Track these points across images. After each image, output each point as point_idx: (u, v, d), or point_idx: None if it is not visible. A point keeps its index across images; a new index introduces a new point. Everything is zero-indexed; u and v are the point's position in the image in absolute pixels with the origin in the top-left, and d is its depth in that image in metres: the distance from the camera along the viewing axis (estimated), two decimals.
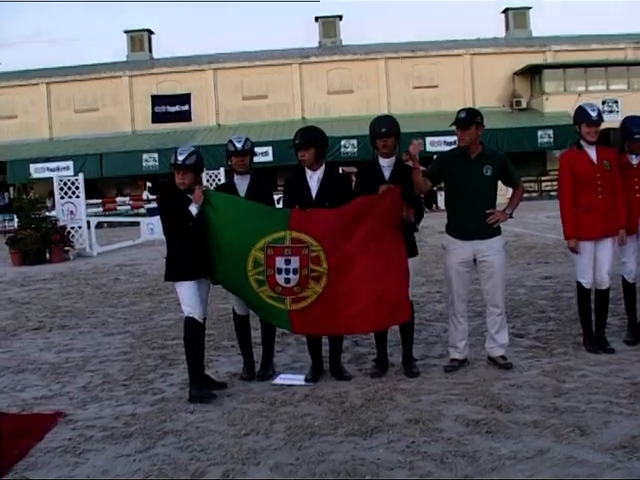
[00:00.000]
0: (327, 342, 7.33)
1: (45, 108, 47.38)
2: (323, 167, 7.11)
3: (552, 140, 41.28)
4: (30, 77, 47.91)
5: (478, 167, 6.99)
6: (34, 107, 47.10)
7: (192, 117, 43.46)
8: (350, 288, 6.77)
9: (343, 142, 40.22)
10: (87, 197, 23.31)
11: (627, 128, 7.59)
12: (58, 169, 39.18)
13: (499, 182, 7.20)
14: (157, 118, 43.12)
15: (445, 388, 6.61)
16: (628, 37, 47.49)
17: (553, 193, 40.37)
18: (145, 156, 41.49)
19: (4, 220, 36.26)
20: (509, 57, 46.56)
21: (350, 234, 6.76)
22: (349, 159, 38.75)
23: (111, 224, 34.12)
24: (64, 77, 47.64)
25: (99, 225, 26.57)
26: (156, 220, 21.15)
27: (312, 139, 7.05)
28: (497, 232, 7.15)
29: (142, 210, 34.85)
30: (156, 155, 40.49)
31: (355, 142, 40.08)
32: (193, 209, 6.74)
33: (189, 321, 6.84)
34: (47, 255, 20.73)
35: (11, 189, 38.59)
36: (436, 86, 46.46)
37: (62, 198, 22.19)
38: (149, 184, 40.35)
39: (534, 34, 51.20)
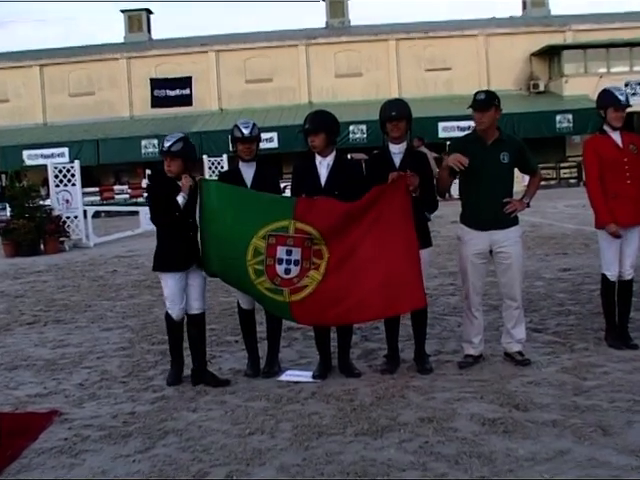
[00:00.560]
0: (335, 337, 7.33)
1: (38, 91, 47.41)
2: (334, 154, 7.09)
3: (571, 125, 41.14)
4: (22, 59, 47.93)
5: (495, 153, 6.96)
6: (26, 90, 47.14)
7: (193, 101, 43.36)
8: (352, 275, 6.78)
9: (351, 127, 40.17)
10: (83, 185, 23.33)
11: None
12: (52, 156, 39.24)
13: (515, 169, 7.18)
14: (156, 102, 43.03)
15: (459, 385, 6.60)
16: None
17: (572, 181, 40.41)
18: (144, 142, 41.51)
19: None
20: (526, 37, 46.39)
21: (356, 225, 6.76)
22: (358, 145, 38.70)
23: (109, 213, 34.12)
24: (58, 59, 47.65)
25: (96, 215, 26.59)
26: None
27: (323, 124, 7.04)
28: (514, 222, 7.12)
29: (141, 199, 34.84)
30: (155, 141, 40.40)
31: (364, 127, 40.03)
32: (180, 198, 6.87)
33: (167, 316, 7.22)
34: (41, 246, 20.76)
35: (3, 177, 38.62)
36: (449, 68, 46.36)
37: (57, 186, 22.16)
38: (148, 171, 40.25)
39: (553, 12, 51.11)
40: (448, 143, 8.04)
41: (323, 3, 52.00)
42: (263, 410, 6.22)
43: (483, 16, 51.00)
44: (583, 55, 44.79)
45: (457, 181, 7.35)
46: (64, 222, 21.57)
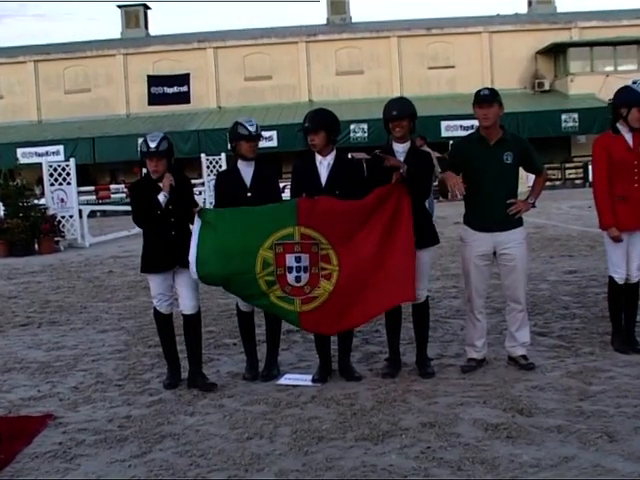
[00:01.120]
0: (336, 340, 7.33)
1: (33, 88, 47.48)
2: (334, 153, 7.09)
3: (577, 124, 41.19)
4: (16, 54, 47.99)
5: (498, 153, 6.95)
6: (21, 87, 47.22)
7: (191, 99, 43.32)
8: (361, 284, 6.79)
9: (352, 126, 40.23)
10: (79, 184, 23.31)
11: None
12: (47, 154, 39.34)
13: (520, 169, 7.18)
14: (153, 100, 43.01)
15: (462, 390, 6.60)
16: None
17: (578, 181, 40.46)
18: (141, 140, 41.24)
19: None
20: (531, 35, 46.46)
21: (361, 228, 6.77)
22: (359, 144, 38.74)
23: (104, 213, 34.15)
24: (53, 55, 47.75)
25: (92, 214, 26.59)
26: None
27: (323, 122, 7.04)
28: (519, 223, 7.11)
29: None
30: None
31: (365, 126, 40.09)
32: (161, 197, 6.93)
33: (155, 312, 7.33)
34: (36, 246, 20.77)
35: None
36: (452, 66, 46.44)
37: (52, 185, 22.17)
38: (145, 170, 40.34)
39: (559, 10, 51.18)
40: (451, 142, 8.05)
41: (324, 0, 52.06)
42: (262, 414, 6.22)
43: (487, 13, 51.06)
44: (589, 53, 44.83)
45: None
46: (59, 222, 21.59)
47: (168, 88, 42.81)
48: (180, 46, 47.51)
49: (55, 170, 22.28)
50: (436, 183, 7.36)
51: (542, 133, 39.14)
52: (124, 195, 37.84)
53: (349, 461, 5.15)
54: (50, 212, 21.37)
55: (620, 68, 43.75)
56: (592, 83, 41.88)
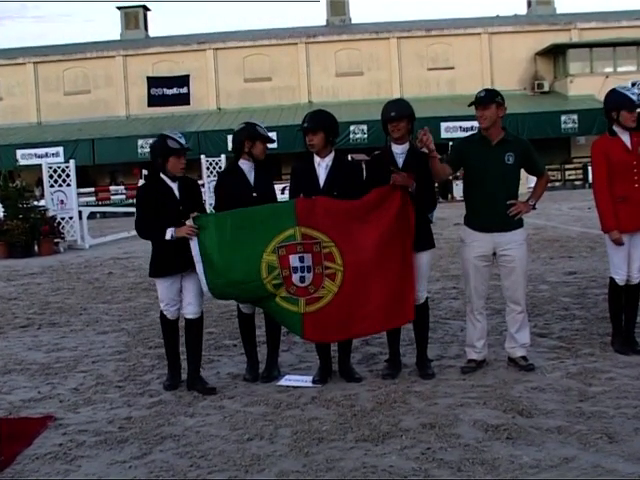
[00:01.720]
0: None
1: (32, 90, 47.51)
2: (332, 154, 7.10)
3: (577, 125, 41.25)
4: (16, 56, 48.04)
5: (499, 154, 6.95)
6: (20, 89, 47.25)
7: (191, 100, 43.38)
8: (365, 287, 6.79)
9: (352, 127, 40.28)
10: (78, 186, 23.34)
11: None
12: (47, 155, 39.37)
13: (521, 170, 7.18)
14: (153, 101, 43.06)
15: (462, 391, 6.60)
16: None
17: (577, 182, 40.48)
18: (140, 142, 41.54)
19: None
20: (531, 36, 46.51)
21: (362, 228, 6.78)
22: (359, 146, 38.81)
23: (104, 214, 34.21)
24: (53, 56, 47.78)
25: (91, 215, 26.60)
26: None
27: (322, 123, 7.05)
28: (519, 224, 7.11)
29: None
30: (152, 141, 40.50)
31: (365, 127, 40.13)
32: (168, 235, 6.84)
33: (162, 317, 7.32)
34: (35, 247, 20.79)
35: None
36: (452, 68, 46.47)
37: (52, 186, 22.19)
38: (145, 172, 40.29)
39: (558, 11, 51.26)
40: (450, 144, 8.06)
41: (324, 1, 52.13)
42: (262, 415, 6.22)
43: (487, 14, 51.14)
44: (589, 54, 44.87)
45: (460, 182, 7.35)
46: (59, 223, 21.61)
47: (168, 89, 42.86)
48: (180, 47, 47.55)
49: (55, 172, 22.29)
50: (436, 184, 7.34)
51: (542, 134, 39.18)
52: (124, 196, 37.96)
53: (349, 462, 5.15)
54: (50, 214, 21.39)
55: (619, 69, 43.80)
56: (592, 84, 41.87)
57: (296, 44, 47.19)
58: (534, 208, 7.23)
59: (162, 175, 7.01)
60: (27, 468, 5.37)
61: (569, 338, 8.25)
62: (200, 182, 28.14)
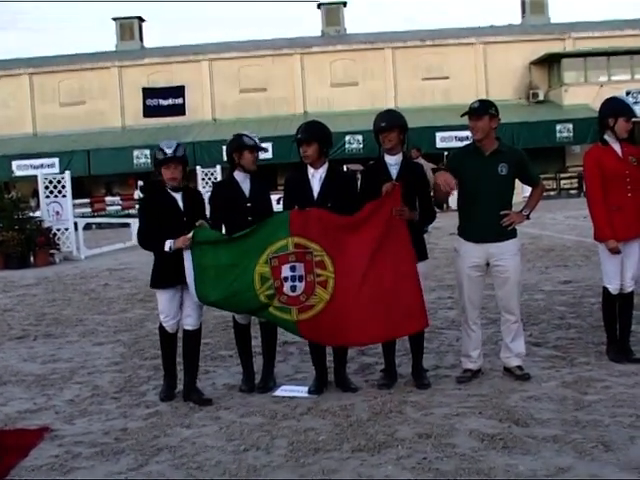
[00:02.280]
0: (331, 352, 7.35)
1: (28, 101, 47.47)
2: (326, 165, 7.12)
3: (571, 135, 41.33)
4: (11, 67, 47.98)
5: (492, 165, 6.96)
6: (15, 100, 47.17)
7: (186, 111, 43.55)
8: (359, 294, 6.79)
9: (348, 138, 40.31)
10: (74, 197, 23.32)
11: None
12: (42, 166, 39.32)
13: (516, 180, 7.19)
14: (149, 112, 43.20)
15: (458, 400, 6.61)
16: None
17: (573, 192, 40.50)
18: (136, 153, 41.57)
19: None
20: (525, 45, 46.58)
21: (354, 238, 6.80)
22: (354, 156, 38.84)
23: (100, 225, 34.14)
24: (48, 67, 47.74)
25: (87, 226, 26.60)
26: None
27: (315, 134, 7.07)
28: (512, 234, 7.12)
29: (133, 211, 34.81)
30: (148, 152, 40.44)
31: (360, 138, 40.15)
32: (167, 247, 6.84)
33: (160, 329, 7.28)
34: (31, 258, 20.73)
35: None
36: (447, 77, 46.53)
37: (47, 197, 22.17)
38: (140, 183, 40.36)
39: (552, 20, 51.29)
40: (446, 154, 8.09)
41: (318, 11, 52.18)
42: (258, 426, 6.22)
43: (481, 24, 51.22)
44: (583, 63, 44.98)
45: (456, 192, 7.36)
46: (54, 234, 21.56)
47: (163, 100, 43.00)
48: (175, 58, 47.54)
49: (50, 183, 22.28)
50: (432, 194, 7.36)
51: (537, 143, 39.22)
52: (119, 207, 38.00)
53: (345, 472, 5.16)
54: (45, 225, 21.33)
55: (614, 78, 43.89)
56: (586, 93, 41.95)
57: (291, 55, 47.25)
58: (528, 218, 7.23)
59: (167, 189, 7.02)
60: (23, 479, 5.36)
61: (564, 347, 8.26)
62: None
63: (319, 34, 51.98)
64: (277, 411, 6.58)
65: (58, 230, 21.88)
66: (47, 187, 22.14)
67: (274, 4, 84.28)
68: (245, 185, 7.32)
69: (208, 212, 7.47)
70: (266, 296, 6.84)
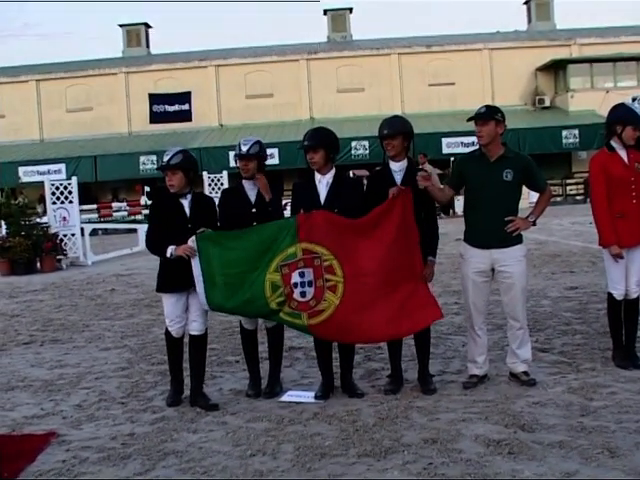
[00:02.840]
0: (338, 357, 7.36)
1: (35, 107, 47.61)
2: (333, 171, 7.14)
3: (578, 140, 41.28)
4: (18, 74, 48.18)
5: (497, 171, 6.97)
6: (23, 106, 47.29)
7: (193, 117, 43.56)
8: (369, 298, 6.81)
9: (354, 143, 40.31)
10: (81, 202, 23.36)
11: None
12: (49, 172, 39.38)
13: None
14: (155, 118, 43.23)
15: (464, 406, 6.61)
16: None
17: (579, 197, 40.45)
18: (142, 158, 41.63)
19: None
20: (531, 51, 46.60)
21: (364, 241, 6.82)
22: (360, 162, 38.86)
23: (106, 231, 34.20)
24: (55, 74, 47.90)
25: (94, 232, 26.64)
26: None
27: (322, 140, 7.08)
28: (518, 240, 7.12)
29: (140, 216, 34.85)
30: (154, 157, 40.56)
31: (366, 143, 40.16)
32: (168, 253, 6.89)
33: (166, 334, 7.30)
34: (38, 264, 20.77)
35: None
36: (453, 83, 46.53)
37: (54, 203, 22.21)
38: (147, 188, 40.44)
39: (558, 26, 51.33)
40: (452, 159, 8.10)
41: (324, 17, 52.26)
42: (265, 431, 6.24)
43: (487, 30, 51.24)
44: (589, 69, 44.95)
45: (462, 198, 7.38)
46: (61, 240, 21.60)
47: (170, 106, 43.03)
48: (181, 64, 47.66)
49: (57, 189, 22.31)
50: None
51: (543, 149, 39.22)
52: (126, 213, 38.02)
53: (352, 477, 5.17)
54: (52, 230, 21.38)
55: (620, 84, 43.86)
56: (592, 99, 41.94)
57: (297, 61, 47.32)
58: (534, 224, 7.22)
59: (176, 194, 7.04)
60: None
61: (570, 353, 8.26)
62: None
63: (325, 40, 52.07)
64: (283, 416, 6.60)
65: (65, 236, 21.92)
66: (54, 193, 22.17)
67: (280, 10, 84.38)
68: (252, 192, 7.34)
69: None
70: (277, 303, 6.85)
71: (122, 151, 42.48)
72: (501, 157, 7.02)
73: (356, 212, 6.87)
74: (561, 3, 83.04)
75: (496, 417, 6.22)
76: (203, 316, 7.18)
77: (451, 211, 34.62)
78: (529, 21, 52.37)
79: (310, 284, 6.84)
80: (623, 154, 7.43)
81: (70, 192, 22.23)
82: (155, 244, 7.05)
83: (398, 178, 7.06)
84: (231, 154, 37.35)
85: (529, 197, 9.54)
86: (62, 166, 41.33)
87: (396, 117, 7.55)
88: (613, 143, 7.47)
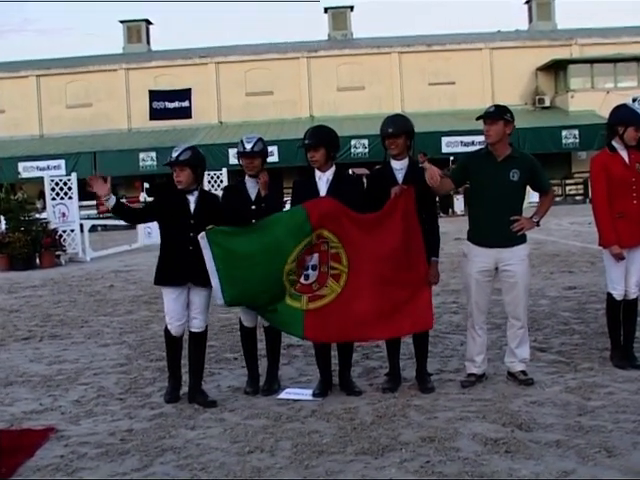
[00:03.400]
0: (336, 355, 7.37)
1: (35, 103, 47.63)
2: (333, 168, 7.14)
3: (577, 141, 41.29)
4: (18, 69, 48.17)
5: (504, 171, 6.97)
6: (23, 102, 47.31)
7: (192, 114, 43.46)
8: (369, 292, 6.84)
9: (353, 142, 40.31)
10: (80, 198, 23.37)
11: None
12: (48, 168, 39.40)
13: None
14: (155, 115, 43.14)
15: (462, 405, 6.62)
16: None
17: (578, 197, 40.48)
18: (142, 155, 41.65)
19: None
20: (532, 51, 46.64)
21: (367, 238, 6.84)
22: (360, 160, 38.84)
23: (106, 227, 34.17)
24: (55, 70, 47.93)
25: (93, 228, 26.63)
26: (154, 223, 21.26)
27: (323, 139, 7.09)
28: (522, 240, 7.12)
29: None
30: (154, 154, 40.61)
31: (366, 142, 40.14)
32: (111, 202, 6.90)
33: (165, 331, 7.23)
34: (37, 260, 20.80)
35: None
36: (453, 83, 46.57)
37: (53, 199, 22.25)
38: (146, 185, 40.38)
39: (559, 26, 51.36)
40: (451, 158, 8.10)
41: (325, 15, 52.26)
42: (262, 428, 6.24)
43: (488, 29, 51.22)
44: (590, 70, 44.98)
45: (461, 197, 7.39)
46: (60, 236, 21.62)
47: (169, 103, 42.95)
48: (182, 61, 47.70)
49: (57, 184, 22.34)
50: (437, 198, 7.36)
51: (543, 149, 39.17)
52: None
53: (349, 475, 5.17)
54: (51, 226, 21.40)
55: (620, 85, 43.88)
56: (592, 100, 41.98)
57: (298, 58, 47.33)
58: (538, 225, 7.23)
59: (182, 190, 7.04)
60: (29, 479, 5.38)
61: (568, 353, 8.27)
62: None
63: (326, 38, 52.07)
64: (281, 413, 6.61)
65: (64, 232, 21.95)
66: (53, 189, 22.20)
67: (281, 8, 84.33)
68: (253, 189, 7.35)
69: None
70: (289, 281, 6.88)
71: (122, 147, 42.49)
72: (508, 157, 7.02)
73: (356, 209, 6.87)
74: (562, 3, 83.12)
75: (494, 416, 6.23)
76: (204, 313, 7.18)
77: (450, 210, 34.67)
78: (530, 21, 52.39)
79: (314, 268, 6.89)
80: (624, 154, 7.43)
81: (70, 188, 22.25)
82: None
83: (400, 177, 7.06)
84: (231, 151, 37.55)
85: (528, 197, 9.54)
86: (62, 162, 41.36)
87: (398, 116, 7.55)
88: (615, 143, 7.48)
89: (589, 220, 10.10)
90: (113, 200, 6.89)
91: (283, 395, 7.21)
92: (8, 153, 42.17)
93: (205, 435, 6.16)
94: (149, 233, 24.79)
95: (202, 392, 7.16)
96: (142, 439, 6.11)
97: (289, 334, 7.51)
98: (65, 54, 61.10)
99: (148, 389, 7.70)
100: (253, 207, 7.26)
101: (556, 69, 46.51)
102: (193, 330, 7.20)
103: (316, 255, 6.88)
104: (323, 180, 7.10)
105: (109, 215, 34.22)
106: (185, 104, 43.08)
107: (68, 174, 25.11)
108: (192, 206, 7.03)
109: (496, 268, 7.12)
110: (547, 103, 45.95)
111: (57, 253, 21.36)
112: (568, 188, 42.59)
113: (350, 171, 29.18)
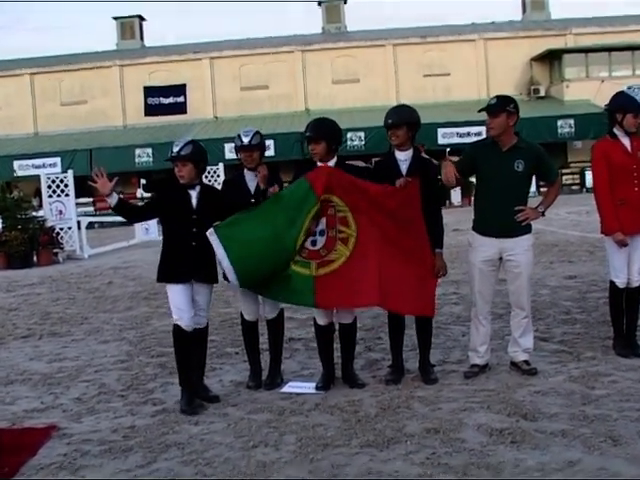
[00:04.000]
0: (339, 347, 7.35)
1: (29, 100, 47.50)
2: (335, 159, 7.12)
3: (573, 130, 41.22)
4: (13, 67, 48.02)
5: (509, 161, 6.94)
6: (17, 99, 47.18)
7: (187, 109, 43.42)
8: (377, 258, 6.83)
9: (349, 135, 40.15)
10: (77, 196, 23.33)
11: None
12: (44, 166, 39.33)
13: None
14: (150, 111, 43.11)
15: (465, 395, 6.61)
16: None
17: (574, 187, 40.47)
18: (138, 151, 41.56)
19: None
20: (526, 42, 46.57)
21: (373, 207, 6.84)
22: (356, 153, 38.72)
23: (103, 224, 34.15)
24: (49, 67, 47.76)
25: (90, 225, 26.61)
26: (151, 220, 21.22)
27: (323, 132, 7.05)
28: (527, 230, 7.11)
29: None
30: (150, 150, 40.52)
31: (362, 135, 40.03)
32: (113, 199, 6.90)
33: (175, 328, 6.91)
34: (34, 258, 20.76)
35: None
36: (448, 74, 46.50)
37: (50, 197, 22.21)
38: (143, 181, 40.39)
39: (553, 16, 51.26)
40: (448, 150, 8.06)
41: (319, 9, 52.17)
42: (266, 422, 6.23)
43: (482, 20, 51.11)
44: (584, 59, 44.93)
45: (458, 189, 7.36)
46: (57, 233, 21.59)
47: (164, 99, 42.93)
48: (176, 57, 47.56)
49: (53, 182, 22.31)
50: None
51: (538, 139, 38.75)
52: None
53: (354, 468, 5.16)
54: (48, 224, 21.35)
55: (615, 74, 43.81)
56: (587, 89, 41.95)
57: (292, 52, 47.23)
58: (543, 215, 7.23)
59: (184, 185, 6.98)
60: (32, 478, 5.37)
61: (571, 342, 8.26)
62: None
63: (320, 31, 51.98)
64: (285, 407, 6.59)
65: (61, 229, 21.92)
66: (50, 186, 22.18)
67: (275, 2, 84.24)
68: (252, 182, 7.32)
69: None
70: (297, 251, 6.88)
71: (117, 144, 42.38)
72: (513, 147, 6.98)
73: None
74: None
75: (498, 406, 6.21)
76: (206, 310, 7.12)
77: (447, 202, 34.66)
78: (524, 11, 52.28)
79: (322, 233, 6.88)
80: (626, 141, 7.41)
81: (66, 185, 22.23)
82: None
83: (404, 167, 7.04)
84: (226, 146, 37.51)
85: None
86: (57, 159, 41.26)
87: (403, 106, 7.52)
88: (615, 131, 7.46)
89: (586, 209, 10.08)
90: (115, 198, 6.87)
91: (286, 389, 7.19)
92: (3, 151, 42.05)
93: (209, 430, 6.14)
94: (146, 229, 24.79)
95: (204, 387, 7.13)
96: (145, 435, 6.09)
97: (299, 305, 7.53)
98: (59, 51, 60.98)
99: (150, 385, 7.67)
100: (252, 200, 7.22)
101: (551, 59, 46.46)
102: (195, 326, 7.15)
103: (324, 219, 6.86)
104: None
105: (106, 212, 34.28)
106: (180, 100, 43.06)
107: (64, 171, 25.07)
108: (194, 201, 6.93)
109: (500, 258, 7.10)
110: (542, 93, 45.91)
111: (55, 251, 21.31)
112: (564, 178, 42.46)
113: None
